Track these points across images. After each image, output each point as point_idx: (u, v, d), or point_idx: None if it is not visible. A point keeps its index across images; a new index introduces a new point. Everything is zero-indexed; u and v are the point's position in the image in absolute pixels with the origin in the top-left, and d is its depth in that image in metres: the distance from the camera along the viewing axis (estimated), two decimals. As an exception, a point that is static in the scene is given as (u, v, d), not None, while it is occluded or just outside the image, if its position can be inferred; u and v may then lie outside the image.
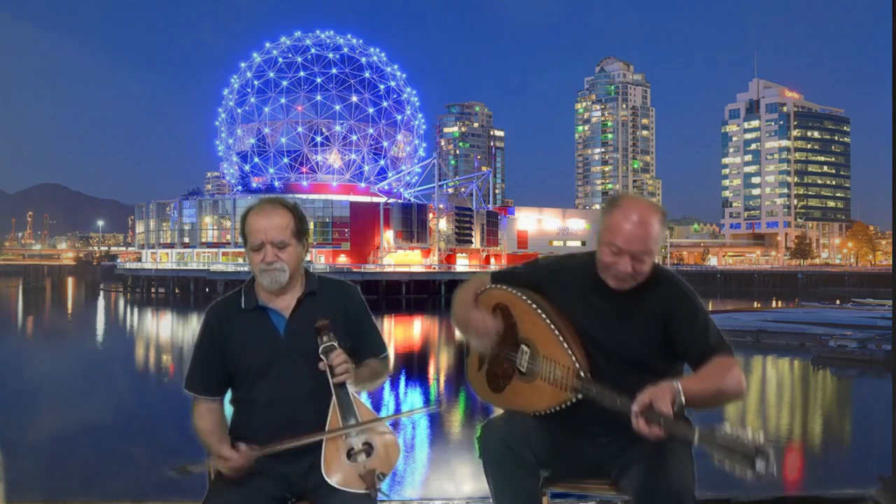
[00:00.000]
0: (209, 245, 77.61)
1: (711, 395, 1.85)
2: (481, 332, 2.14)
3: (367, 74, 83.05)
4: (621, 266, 1.95)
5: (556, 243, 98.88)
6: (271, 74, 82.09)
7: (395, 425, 2.09)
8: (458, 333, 2.25)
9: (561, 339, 2.00)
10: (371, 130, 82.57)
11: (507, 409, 2.15)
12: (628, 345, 2.00)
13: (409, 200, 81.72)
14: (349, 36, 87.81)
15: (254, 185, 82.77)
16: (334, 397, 1.97)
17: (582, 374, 1.95)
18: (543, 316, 2.05)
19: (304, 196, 73.38)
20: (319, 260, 70.98)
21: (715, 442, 1.57)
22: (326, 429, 1.95)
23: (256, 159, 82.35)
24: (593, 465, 2.07)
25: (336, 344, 1.98)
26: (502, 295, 2.19)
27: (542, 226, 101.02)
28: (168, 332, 42.72)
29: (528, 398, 2.07)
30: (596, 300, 2.04)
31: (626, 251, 1.94)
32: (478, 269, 75.40)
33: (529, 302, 2.09)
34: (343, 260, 73.11)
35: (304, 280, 2.11)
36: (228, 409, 2.14)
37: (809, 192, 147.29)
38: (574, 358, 1.97)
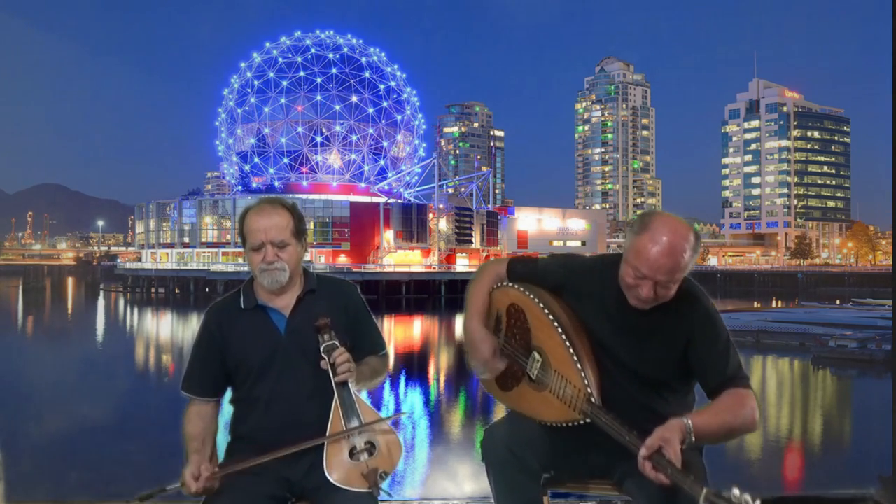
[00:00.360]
0: (209, 245, 77.59)
1: (724, 433, 1.80)
2: (481, 364, 2.11)
3: (367, 74, 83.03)
4: (644, 291, 1.86)
5: (556, 243, 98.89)
6: (271, 74, 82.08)
7: (395, 424, 2.08)
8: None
9: (575, 358, 1.93)
10: (371, 130, 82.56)
11: (512, 409, 2.13)
12: (646, 363, 1.95)
13: (409, 200, 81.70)
14: (349, 36, 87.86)
15: (254, 185, 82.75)
16: (336, 396, 1.96)
17: (592, 399, 1.89)
18: (559, 330, 1.97)
19: (304, 196, 73.37)
20: (319, 260, 70.99)
21: None
22: (328, 428, 1.95)
23: (256, 159, 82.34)
24: (596, 468, 2.05)
25: (338, 342, 1.97)
26: (518, 296, 2.11)
27: (542, 226, 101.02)
28: (168, 332, 42.71)
29: (535, 406, 2.03)
30: (617, 314, 1.97)
31: (650, 278, 1.84)
32: (478, 269, 75.26)
33: (546, 311, 2.02)
34: (343, 260, 73.09)
35: (302, 279, 2.11)
36: (228, 410, 2.13)
37: (809, 192, 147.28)
38: (586, 381, 1.90)
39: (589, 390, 1.89)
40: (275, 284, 2.03)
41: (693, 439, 1.72)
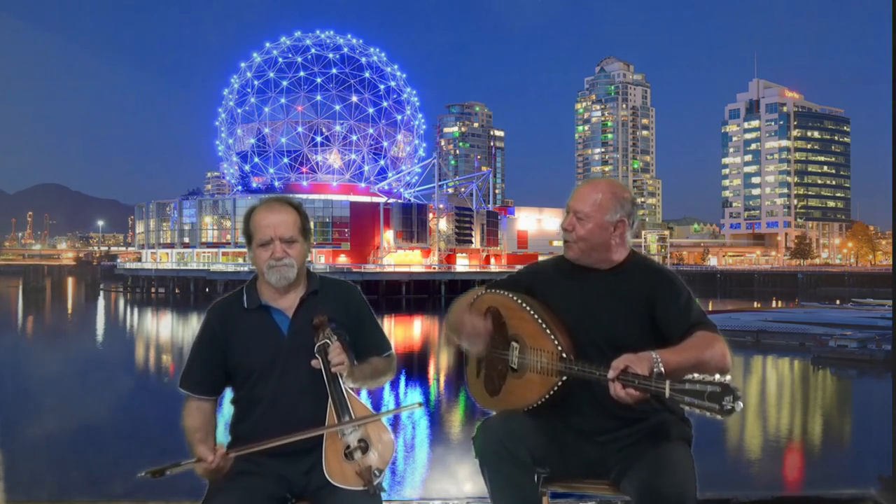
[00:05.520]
0: (209, 245, 77.62)
1: (691, 366, 1.79)
2: (471, 334, 2.14)
3: (367, 74, 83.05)
4: (565, 222, 2.09)
5: (556, 243, 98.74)
6: (271, 74, 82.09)
7: (395, 425, 2.08)
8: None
9: (544, 326, 2.01)
10: (371, 130, 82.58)
11: (503, 410, 2.14)
12: (618, 333, 2.00)
13: (409, 200, 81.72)
14: (349, 36, 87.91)
15: (254, 185, 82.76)
16: (329, 394, 1.96)
17: (564, 355, 1.95)
18: (529, 309, 2.06)
19: (304, 196, 73.16)
20: (319, 260, 70.97)
21: (685, 389, 1.63)
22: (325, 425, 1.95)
23: (256, 159, 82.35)
24: (591, 463, 2.06)
25: (330, 341, 1.96)
26: (493, 298, 2.20)
27: (542, 226, 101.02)
28: (168, 332, 42.66)
29: (522, 394, 2.07)
30: (580, 289, 2.08)
31: (571, 210, 2.08)
32: (478, 270, 75.39)
33: (517, 300, 2.11)
34: (343, 260, 73.11)
35: (306, 280, 2.12)
36: (228, 410, 2.13)
37: (809, 192, 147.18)
38: (556, 342, 1.97)
39: (560, 349, 1.96)
40: (283, 281, 2.03)
41: (662, 369, 1.76)
